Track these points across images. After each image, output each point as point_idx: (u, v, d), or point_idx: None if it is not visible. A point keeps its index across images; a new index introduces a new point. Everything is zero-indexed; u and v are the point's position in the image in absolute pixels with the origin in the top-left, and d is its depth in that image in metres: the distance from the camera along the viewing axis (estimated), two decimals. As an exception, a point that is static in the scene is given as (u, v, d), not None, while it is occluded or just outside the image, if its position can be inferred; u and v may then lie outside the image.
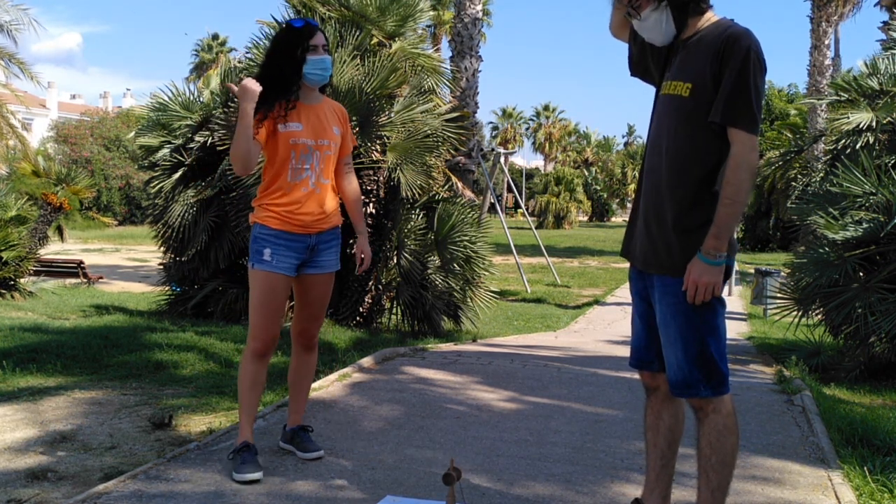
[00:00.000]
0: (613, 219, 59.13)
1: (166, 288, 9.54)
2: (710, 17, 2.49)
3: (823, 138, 13.52)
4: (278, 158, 3.30)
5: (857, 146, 8.41)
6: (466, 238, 8.78)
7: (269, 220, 3.30)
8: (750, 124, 2.34)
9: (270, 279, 3.30)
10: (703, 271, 2.36)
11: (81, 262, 15.42)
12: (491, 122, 62.80)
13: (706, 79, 2.38)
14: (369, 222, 8.29)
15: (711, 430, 2.49)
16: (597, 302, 15.34)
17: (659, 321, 2.53)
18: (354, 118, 8.01)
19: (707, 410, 2.49)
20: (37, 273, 13.73)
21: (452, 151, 9.76)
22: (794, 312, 7.53)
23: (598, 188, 55.31)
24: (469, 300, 9.12)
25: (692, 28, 2.50)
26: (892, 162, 7.69)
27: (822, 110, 20.68)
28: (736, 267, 2.83)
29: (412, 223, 8.71)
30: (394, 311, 8.94)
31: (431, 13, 11.54)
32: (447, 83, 9.78)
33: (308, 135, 3.32)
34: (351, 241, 8.64)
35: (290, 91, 3.32)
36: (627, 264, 2.74)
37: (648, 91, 2.73)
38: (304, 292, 3.47)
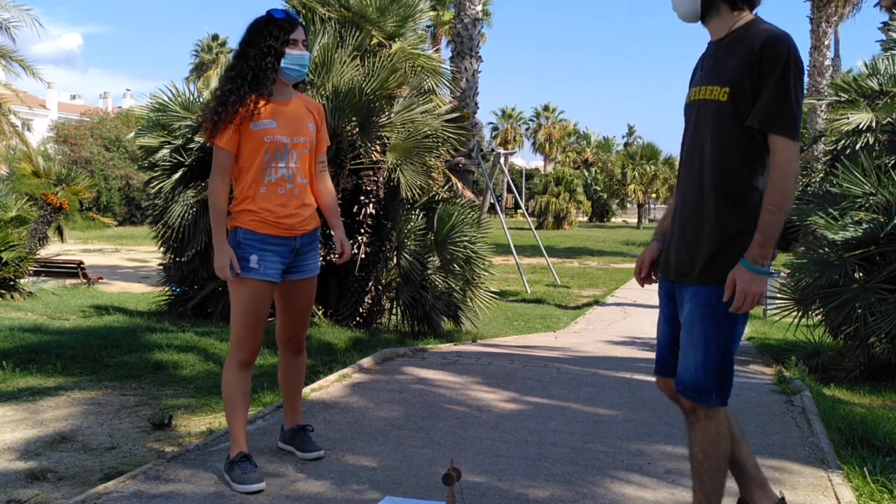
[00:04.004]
0: (613, 219, 59.10)
1: (166, 288, 9.54)
2: (744, 17, 2.43)
3: (823, 139, 13.53)
4: (252, 158, 3.16)
5: (857, 147, 8.42)
6: (466, 238, 8.79)
7: (254, 224, 3.15)
8: (792, 131, 2.30)
9: (258, 287, 3.16)
10: (752, 280, 2.30)
11: (81, 263, 15.41)
12: (491, 123, 62.88)
13: (744, 83, 2.34)
14: (369, 222, 8.30)
15: (705, 436, 2.46)
16: (596, 302, 15.35)
17: (684, 320, 2.47)
18: (354, 119, 8.02)
19: (700, 416, 2.46)
20: (36, 273, 13.72)
21: (452, 152, 9.77)
22: (794, 313, 7.53)
23: (598, 189, 55.26)
24: (469, 300, 9.12)
25: (725, 27, 2.44)
26: (892, 162, 7.69)
27: (821, 111, 20.67)
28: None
29: (412, 223, 8.72)
30: (394, 311, 8.94)
31: (431, 13, 11.55)
32: (447, 84, 9.79)
33: (283, 132, 3.17)
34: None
35: (263, 85, 3.16)
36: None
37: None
38: (291, 299, 3.35)
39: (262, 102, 3.17)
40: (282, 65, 3.16)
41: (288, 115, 3.22)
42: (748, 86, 2.33)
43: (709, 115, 2.42)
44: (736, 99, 2.35)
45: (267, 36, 3.16)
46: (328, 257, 8.26)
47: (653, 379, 2.76)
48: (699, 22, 2.51)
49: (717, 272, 2.38)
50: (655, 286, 2.71)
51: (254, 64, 3.15)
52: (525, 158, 72.31)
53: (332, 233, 3.48)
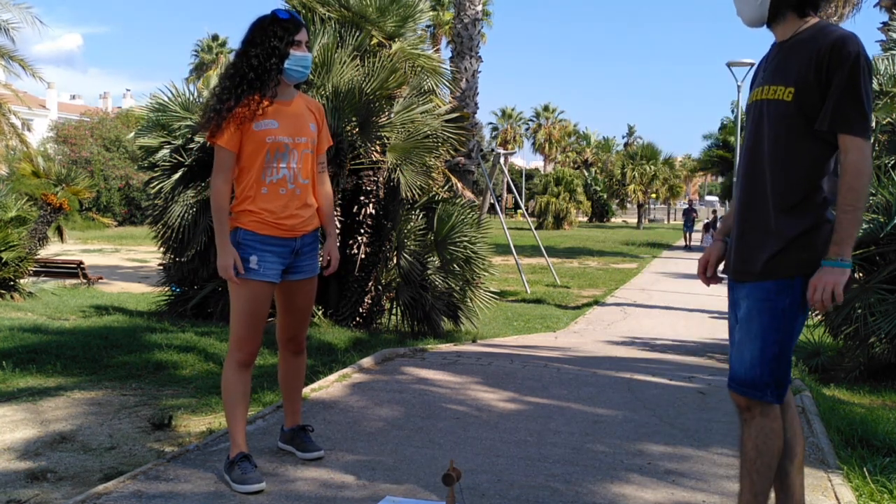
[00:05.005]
0: (613, 219, 59.08)
1: (166, 288, 9.53)
2: (809, 21, 2.45)
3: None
4: (254, 158, 3.15)
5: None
6: (466, 238, 8.78)
7: (254, 225, 3.15)
8: (863, 130, 2.32)
9: (258, 288, 3.17)
10: (825, 272, 2.32)
11: (81, 263, 15.40)
12: (491, 123, 62.91)
13: (810, 83, 2.34)
14: (369, 222, 8.30)
15: (759, 433, 2.45)
16: (596, 303, 15.32)
17: (741, 316, 2.48)
18: (354, 119, 8.02)
19: (755, 413, 2.45)
20: (36, 273, 13.71)
21: (452, 152, 9.76)
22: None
23: (598, 189, 55.21)
24: (469, 301, 9.12)
25: (791, 30, 2.46)
26: (892, 162, 7.69)
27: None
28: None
29: (412, 224, 8.72)
30: (393, 311, 8.94)
31: (431, 14, 11.55)
32: (447, 84, 9.78)
33: (284, 132, 3.17)
34: (350, 242, 8.65)
35: (266, 86, 3.15)
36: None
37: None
38: (291, 300, 3.35)
39: (265, 102, 3.17)
40: (285, 66, 3.16)
41: (290, 115, 3.22)
42: (814, 86, 2.34)
43: (772, 115, 2.43)
44: (801, 99, 2.36)
45: (271, 36, 3.15)
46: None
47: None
48: (764, 26, 2.52)
49: (776, 270, 2.40)
50: (696, 286, 2.70)
51: (256, 63, 3.14)
52: (525, 158, 72.37)
53: (323, 241, 3.47)
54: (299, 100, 3.31)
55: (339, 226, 8.26)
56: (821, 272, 2.33)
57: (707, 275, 2.73)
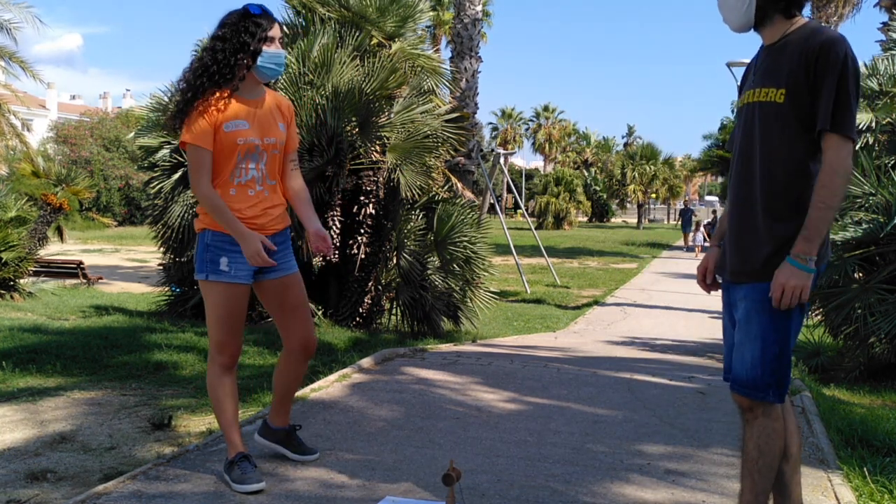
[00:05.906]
0: (613, 219, 59.07)
1: (166, 288, 9.54)
2: (797, 22, 2.47)
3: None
4: (224, 159, 3.07)
5: (857, 147, 8.41)
6: (466, 239, 8.79)
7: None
8: (846, 129, 2.33)
9: (231, 290, 3.12)
10: (791, 274, 2.33)
11: (81, 263, 15.39)
12: (490, 123, 62.92)
13: (800, 84, 2.36)
14: (369, 222, 8.30)
15: (761, 434, 2.45)
16: (596, 303, 15.32)
17: (740, 318, 2.48)
18: (354, 119, 8.02)
19: (757, 413, 2.45)
20: (36, 274, 13.71)
21: (452, 152, 9.77)
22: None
23: (598, 189, 55.20)
24: (469, 301, 9.13)
25: (779, 32, 2.47)
26: (892, 162, 7.69)
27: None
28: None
29: (412, 224, 8.72)
30: (393, 311, 8.94)
31: (431, 14, 11.55)
32: (447, 84, 9.79)
33: (255, 133, 3.08)
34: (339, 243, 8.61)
35: (227, 80, 3.04)
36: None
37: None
38: (280, 302, 3.25)
39: (226, 94, 3.07)
40: (258, 63, 3.07)
41: (259, 115, 3.14)
42: (804, 87, 2.36)
43: (764, 117, 2.44)
44: (792, 100, 2.38)
45: (242, 31, 3.05)
46: (327, 258, 8.26)
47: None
48: (751, 30, 2.53)
49: (773, 270, 2.39)
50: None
51: (221, 58, 3.05)
52: (525, 158, 72.34)
53: (306, 227, 3.27)
54: (269, 98, 3.22)
55: (339, 226, 8.26)
56: (787, 272, 2.34)
57: (707, 281, 2.72)
